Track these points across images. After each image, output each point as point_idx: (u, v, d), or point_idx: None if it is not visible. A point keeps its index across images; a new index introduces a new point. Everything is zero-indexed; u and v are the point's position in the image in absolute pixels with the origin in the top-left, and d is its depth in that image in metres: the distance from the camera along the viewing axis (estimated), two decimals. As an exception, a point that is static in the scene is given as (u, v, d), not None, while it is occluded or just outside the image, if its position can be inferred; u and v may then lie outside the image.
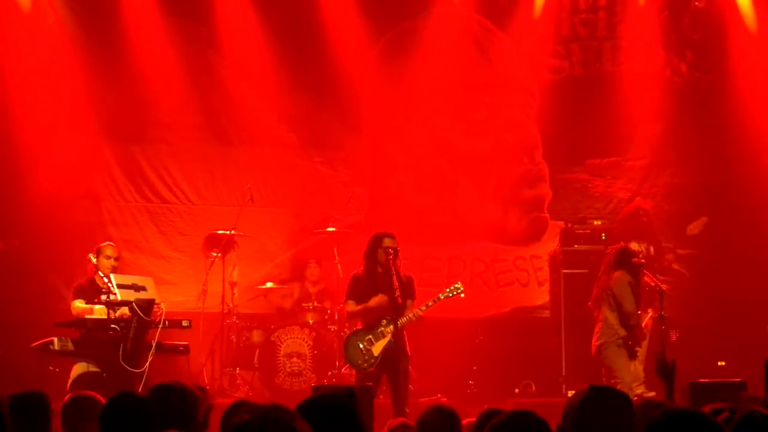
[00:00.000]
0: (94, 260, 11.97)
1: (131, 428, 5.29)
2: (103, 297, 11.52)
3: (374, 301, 11.45)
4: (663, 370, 7.95)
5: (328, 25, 15.91)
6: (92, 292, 11.82)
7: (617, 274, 12.36)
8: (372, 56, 16.29)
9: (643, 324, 12.34)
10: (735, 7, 16.46)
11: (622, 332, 12.16)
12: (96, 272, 11.89)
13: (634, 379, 12.28)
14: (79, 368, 11.45)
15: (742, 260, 15.75)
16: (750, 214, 15.92)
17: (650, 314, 12.86)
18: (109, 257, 12.03)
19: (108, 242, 12.51)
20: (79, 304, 11.80)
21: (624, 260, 12.34)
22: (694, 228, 14.63)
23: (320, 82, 16.00)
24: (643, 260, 12.43)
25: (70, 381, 11.36)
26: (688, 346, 13.91)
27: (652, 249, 14.46)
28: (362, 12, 16.00)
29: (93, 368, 11.34)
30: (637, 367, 12.50)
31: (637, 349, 12.18)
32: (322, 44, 15.90)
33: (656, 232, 14.80)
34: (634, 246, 14.30)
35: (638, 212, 14.81)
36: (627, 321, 12.14)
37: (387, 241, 11.50)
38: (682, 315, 12.47)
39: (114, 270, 11.95)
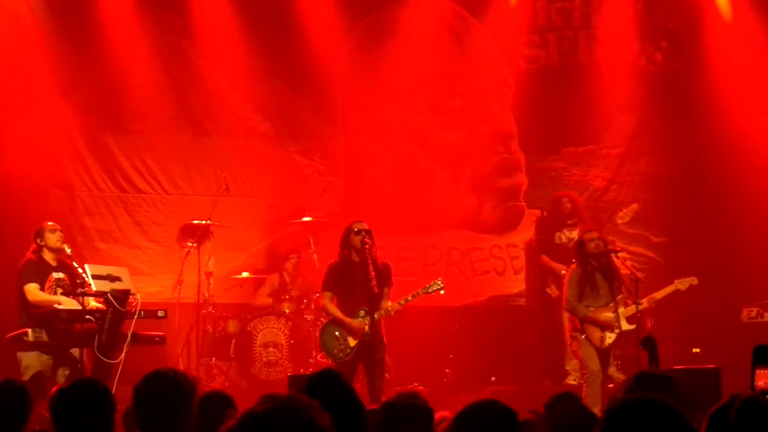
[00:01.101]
0: (59, 245, 11.79)
1: (85, 416, 5.25)
2: (55, 275, 11.51)
3: (348, 320, 11.48)
4: (647, 342, 8.02)
5: (303, 14, 15.87)
6: (43, 269, 11.69)
7: (569, 267, 12.43)
8: (347, 45, 16.27)
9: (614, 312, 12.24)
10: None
11: (578, 325, 12.19)
12: (40, 251, 11.76)
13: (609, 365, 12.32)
14: (27, 358, 11.35)
15: (716, 247, 15.82)
16: (724, 201, 15.99)
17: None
18: (54, 229, 11.87)
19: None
20: (35, 290, 11.58)
21: (578, 251, 12.37)
22: (624, 216, 14.59)
23: (295, 71, 15.97)
24: (600, 249, 12.35)
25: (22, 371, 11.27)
26: (663, 332, 13.92)
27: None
28: (338, 1, 15.98)
29: (47, 359, 11.30)
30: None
31: (609, 336, 12.13)
32: (297, 33, 15.86)
33: (587, 217, 14.76)
34: (564, 235, 14.38)
35: (560, 200, 14.79)
36: (573, 316, 12.19)
37: (358, 225, 11.60)
38: (661, 300, 12.44)
39: (62, 241, 11.82)
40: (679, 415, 3.54)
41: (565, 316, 13.98)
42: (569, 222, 14.53)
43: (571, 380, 13.96)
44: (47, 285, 11.59)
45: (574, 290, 12.14)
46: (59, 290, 11.48)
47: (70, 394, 5.28)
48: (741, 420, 4.20)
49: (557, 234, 14.59)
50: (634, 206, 14.85)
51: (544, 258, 14.65)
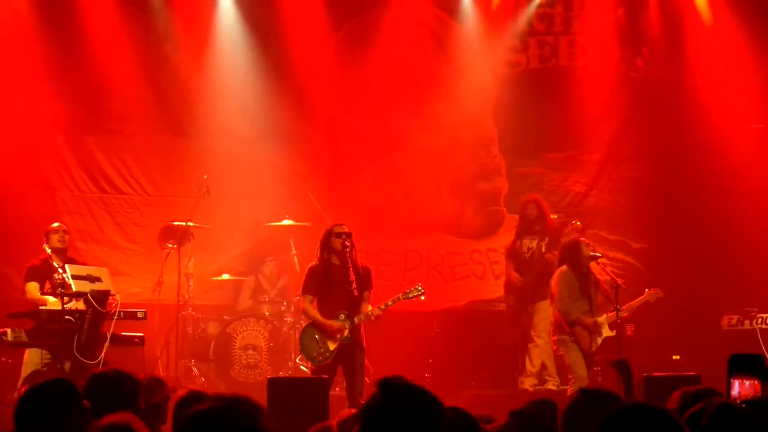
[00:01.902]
0: (48, 249, 12.03)
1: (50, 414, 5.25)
2: (57, 276, 11.57)
3: (328, 322, 11.44)
4: (620, 366, 8.02)
5: (286, 17, 15.88)
6: (46, 271, 11.89)
7: (558, 270, 12.45)
8: (329, 49, 16.26)
9: (603, 318, 12.29)
10: (691, 3, 16.56)
11: (567, 328, 12.24)
12: (49, 254, 11.99)
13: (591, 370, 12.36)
14: (31, 354, 11.45)
15: (697, 254, 15.87)
16: (705, 208, 16.03)
17: None
18: (56, 231, 12.15)
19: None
20: (33, 289, 11.78)
21: (566, 255, 12.41)
22: (569, 233, 14.51)
23: (277, 74, 15.95)
24: (596, 254, 12.46)
25: (22, 372, 11.37)
26: (643, 339, 13.98)
27: (543, 245, 14.46)
28: (320, 4, 15.97)
29: (46, 355, 11.31)
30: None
31: (596, 340, 12.19)
32: (279, 36, 15.87)
33: (551, 226, 14.73)
34: (525, 244, 14.40)
35: (527, 205, 14.75)
36: (564, 318, 12.23)
37: (338, 228, 11.58)
38: (637, 309, 12.51)
39: (64, 242, 12.03)
40: (677, 423, 3.58)
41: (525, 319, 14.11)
42: (536, 228, 14.51)
43: (528, 385, 14.00)
44: (46, 287, 11.76)
45: (566, 290, 12.18)
46: (59, 290, 11.56)
47: (36, 393, 5.26)
48: (712, 426, 4.24)
49: (520, 241, 14.57)
50: (578, 224, 14.74)
51: (510, 265, 14.69)
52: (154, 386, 6.79)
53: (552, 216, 15.21)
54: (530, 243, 14.47)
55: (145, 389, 6.57)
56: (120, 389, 5.41)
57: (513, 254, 14.64)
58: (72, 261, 12.15)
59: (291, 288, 14.31)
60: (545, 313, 13.84)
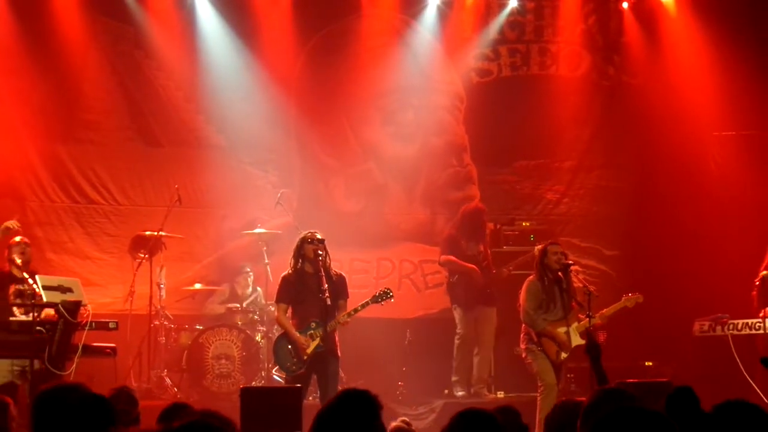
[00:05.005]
0: (18, 260, 11.99)
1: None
2: (18, 287, 11.52)
3: (296, 336, 11.41)
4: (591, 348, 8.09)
5: (257, 26, 15.87)
6: (5, 281, 11.78)
7: (526, 280, 12.44)
8: (301, 57, 16.25)
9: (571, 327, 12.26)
10: (662, 12, 16.65)
11: (535, 338, 12.23)
12: (10, 263, 11.95)
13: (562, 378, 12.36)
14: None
15: (669, 261, 15.93)
16: (677, 215, 16.10)
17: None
18: (18, 244, 12.19)
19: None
20: None
21: (539, 262, 12.39)
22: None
23: (249, 82, 15.92)
24: (560, 264, 12.40)
25: None
26: (616, 346, 14.00)
27: (487, 250, 14.46)
28: (291, 14, 15.96)
29: (17, 364, 11.24)
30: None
31: (565, 350, 12.18)
32: (251, 45, 15.86)
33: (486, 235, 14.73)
34: (471, 245, 14.33)
35: (477, 215, 14.58)
36: (531, 329, 12.23)
37: (311, 235, 11.54)
38: (611, 315, 12.52)
39: (25, 255, 11.97)
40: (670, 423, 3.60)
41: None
42: (479, 236, 14.45)
43: (458, 393, 14.05)
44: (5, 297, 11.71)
45: (533, 302, 12.17)
46: (18, 301, 11.50)
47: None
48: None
49: (466, 243, 14.45)
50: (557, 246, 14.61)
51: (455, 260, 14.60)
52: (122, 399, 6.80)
53: (524, 224, 15.27)
54: (476, 246, 14.38)
55: (112, 399, 6.57)
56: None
57: (457, 251, 14.43)
58: (32, 274, 11.98)
59: (264, 297, 14.29)
60: (490, 320, 14.04)
